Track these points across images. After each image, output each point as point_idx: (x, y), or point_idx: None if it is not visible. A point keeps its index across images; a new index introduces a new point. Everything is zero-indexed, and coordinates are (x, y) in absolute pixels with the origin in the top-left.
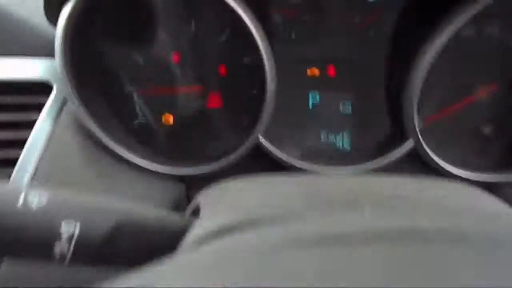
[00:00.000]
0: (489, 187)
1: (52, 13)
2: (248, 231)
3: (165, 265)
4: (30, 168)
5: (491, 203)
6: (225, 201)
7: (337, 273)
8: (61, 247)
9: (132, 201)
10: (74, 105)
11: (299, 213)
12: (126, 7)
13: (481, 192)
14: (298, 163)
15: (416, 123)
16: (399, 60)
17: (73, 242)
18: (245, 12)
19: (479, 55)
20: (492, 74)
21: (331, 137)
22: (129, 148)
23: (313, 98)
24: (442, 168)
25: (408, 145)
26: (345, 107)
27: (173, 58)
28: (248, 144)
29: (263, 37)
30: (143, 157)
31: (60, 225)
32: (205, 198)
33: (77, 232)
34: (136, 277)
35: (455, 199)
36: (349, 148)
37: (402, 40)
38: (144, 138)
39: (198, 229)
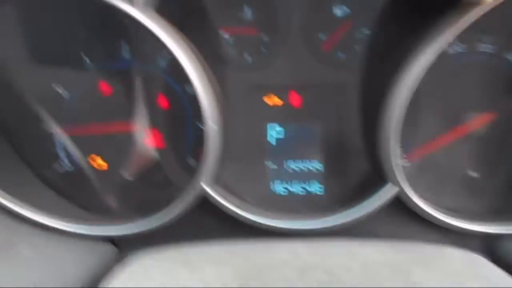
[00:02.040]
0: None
1: None
2: None
3: None
4: None
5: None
6: None
7: None
8: None
9: None
10: None
11: None
12: (45, 26)
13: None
14: (254, 218)
15: (395, 163)
16: (376, 85)
17: None
18: (174, 40)
19: (473, 78)
20: (488, 101)
21: (299, 180)
22: (38, 204)
23: (274, 132)
24: (432, 216)
25: (389, 190)
26: (313, 142)
27: (103, 89)
28: (191, 196)
29: (197, 66)
30: (59, 216)
31: None
32: None
33: None
34: None
35: None
36: (322, 193)
37: (379, 61)
38: (66, 189)
39: None
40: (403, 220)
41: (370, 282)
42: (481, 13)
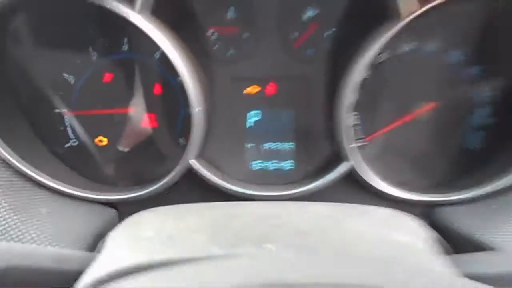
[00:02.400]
0: (430, 206)
1: None
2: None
3: None
4: None
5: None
6: (129, 241)
7: None
8: None
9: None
10: None
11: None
12: (56, 24)
13: (404, 221)
14: (232, 187)
15: (347, 143)
16: (335, 78)
17: None
18: (166, 38)
19: (419, 73)
20: (432, 92)
21: (273, 158)
22: (52, 174)
23: (253, 117)
24: (380, 190)
25: (344, 167)
26: (287, 126)
27: (106, 78)
28: (180, 168)
29: (185, 60)
30: (70, 183)
31: None
32: (113, 234)
33: None
34: None
35: (372, 235)
36: (293, 169)
37: (338, 57)
38: (75, 162)
39: (95, 269)
40: (357, 192)
41: (311, 225)
42: (407, 21)
